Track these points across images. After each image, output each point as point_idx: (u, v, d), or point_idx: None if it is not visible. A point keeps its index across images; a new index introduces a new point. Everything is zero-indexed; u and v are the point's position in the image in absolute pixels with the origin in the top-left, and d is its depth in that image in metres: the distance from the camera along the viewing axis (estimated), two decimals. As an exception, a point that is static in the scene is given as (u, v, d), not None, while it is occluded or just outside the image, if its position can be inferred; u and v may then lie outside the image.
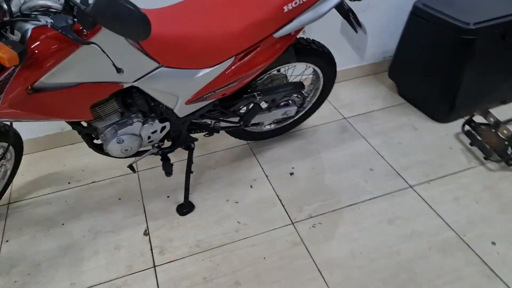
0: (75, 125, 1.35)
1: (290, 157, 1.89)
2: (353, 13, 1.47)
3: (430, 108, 2.09)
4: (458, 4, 1.92)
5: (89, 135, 1.40)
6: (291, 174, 1.81)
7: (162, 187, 1.76)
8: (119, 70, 1.04)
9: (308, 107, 1.93)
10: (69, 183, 1.82)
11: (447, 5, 1.90)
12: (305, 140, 2.00)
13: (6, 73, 0.95)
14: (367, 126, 2.08)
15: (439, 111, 2.05)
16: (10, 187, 1.76)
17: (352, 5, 1.86)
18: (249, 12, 1.24)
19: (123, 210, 1.66)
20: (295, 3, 1.25)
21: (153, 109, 1.38)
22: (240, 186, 1.75)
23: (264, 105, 1.67)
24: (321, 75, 1.78)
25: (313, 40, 1.64)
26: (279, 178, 1.78)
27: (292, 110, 1.75)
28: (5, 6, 0.90)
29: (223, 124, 1.61)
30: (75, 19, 0.91)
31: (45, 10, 0.94)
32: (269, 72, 1.60)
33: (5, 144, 1.41)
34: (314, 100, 1.89)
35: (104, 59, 1.07)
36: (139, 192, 1.75)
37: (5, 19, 0.90)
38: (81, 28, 0.95)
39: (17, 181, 1.81)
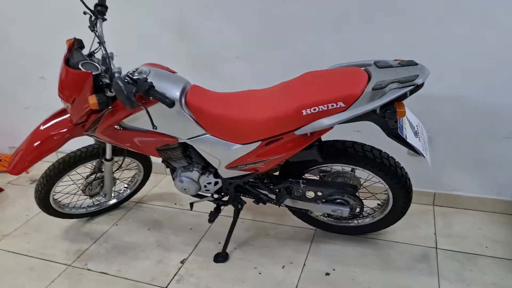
0: (163, 161, 1.86)
1: (341, 259, 1.81)
2: (398, 137, 1.39)
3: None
4: None
5: (172, 171, 1.90)
6: (327, 274, 1.74)
7: (224, 234, 2.06)
8: (154, 127, 1.48)
9: (378, 218, 1.81)
10: (175, 204, 2.38)
11: None
12: (372, 251, 1.85)
13: (100, 114, 1.56)
14: (456, 268, 1.71)
15: None
16: (140, 192, 2.48)
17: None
18: (275, 107, 1.44)
19: (185, 237, 2.06)
20: (314, 109, 1.36)
21: (208, 165, 1.74)
22: (274, 261, 1.83)
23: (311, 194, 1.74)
24: (390, 195, 1.68)
25: (380, 152, 1.60)
26: (312, 272, 1.75)
27: (344, 210, 1.72)
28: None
29: (263, 196, 1.78)
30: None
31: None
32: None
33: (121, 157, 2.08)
34: (381, 216, 1.77)
35: (161, 118, 1.53)
36: (206, 230, 2.11)
37: (106, 81, 1.51)
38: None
39: (149, 190, 2.53)
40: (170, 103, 1.34)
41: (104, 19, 1.58)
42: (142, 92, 1.36)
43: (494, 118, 1.84)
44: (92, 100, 1.43)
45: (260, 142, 1.51)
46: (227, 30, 2.07)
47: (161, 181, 2.64)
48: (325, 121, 1.33)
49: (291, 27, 1.95)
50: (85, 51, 1.65)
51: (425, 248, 1.84)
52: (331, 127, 1.39)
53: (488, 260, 1.74)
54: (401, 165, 1.64)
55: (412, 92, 1.28)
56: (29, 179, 2.79)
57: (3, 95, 2.84)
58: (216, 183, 1.78)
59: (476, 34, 1.69)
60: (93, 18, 1.57)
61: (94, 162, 2.03)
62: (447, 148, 1.98)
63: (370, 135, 2.01)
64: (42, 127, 1.74)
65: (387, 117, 1.30)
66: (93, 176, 2.05)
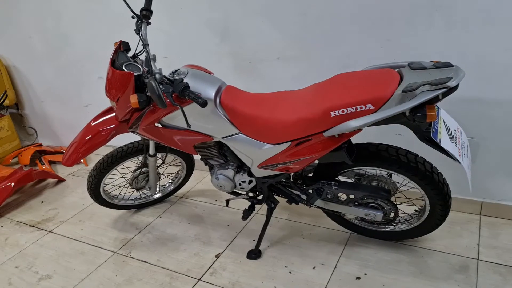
0: (201, 158, 1.95)
1: (374, 264, 1.78)
2: (431, 141, 1.35)
3: None
4: None
5: (210, 168, 1.99)
6: (358, 278, 1.72)
7: (259, 232, 2.10)
8: (188, 125, 1.57)
9: (415, 225, 1.76)
10: (215, 200, 2.48)
11: None
12: (407, 257, 1.80)
13: (142, 112, 1.68)
14: (497, 280, 1.61)
15: None
16: (184, 187, 2.61)
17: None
18: (305, 108, 1.46)
19: (222, 233, 2.14)
20: (342, 111, 1.36)
21: (242, 164, 1.80)
22: (306, 261, 1.85)
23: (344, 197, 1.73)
24: (427, 201, 1.63)
25: (416, 156, 1.56)
26: (343, 275, 1.74)
27: (377, 215, 1.69)
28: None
29: (295, 196, 1.80)
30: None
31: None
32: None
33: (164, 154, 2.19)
34: (418, 222, 1.72)
35: (197, 117, 1.62)
36: (242, 227, 2.17)
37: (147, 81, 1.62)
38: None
39: (193, 186, 2.65)
40: (203, 103, 1.41)
41: (149, 23, 1.69)
42: (178, 92, 1.45)
43: (549, 124, 1.70)
44: (134, 99, 1.55)
45: (290, 142, 1.54)
46: (268, 32, 2.12)
47: (204, 178, 2.75)
48: (352, 123, 1.33)
49: (330, 28, 1.95)
50: (131, 53, 1.78)
51: (465, 259, 1.75)
52: (360, 129, 1.38)
53: (537, 276, 1.61)
54: (438, 171, 1.57)
55: (445, 95, 1.23)
56: (87, 171, 3.05)
57: (67, 94, 3.14)
58: (250, 181, 1.83)
59: (528, 33, 1.58)
60: (139, 22, 1.69)
61: (140, 157, 2.18)
62: (497, 154, 1.86)
63: (412, 139, 1.94)
64: (92, 123, 1.91)
65: (417, 121, 1.26)
66: (139, 171, 2.20)
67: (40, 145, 3.37)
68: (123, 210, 2.44)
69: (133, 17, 1.68)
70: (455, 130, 1.45)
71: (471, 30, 1.67)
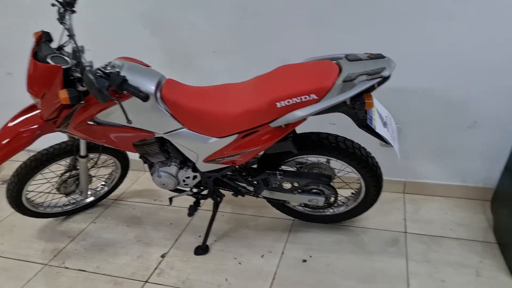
0: (140, 156, 1.86)
1: (318, 246, 1.88)
2: (368, 127, 1.46)
3: (515, 259, 1.64)
4: None
5: (150, 166, 1.90)
6: (304, 261, 1.80)
7: (204, 228, 2.08)
8: (128, 121, 1.49)
9: (352, 206, 1.89)
10: (154, 200, 2.38)
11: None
12: (346, 237, 1.93)
13: (72, 109, 1.55)
14: (422, 249, 1.81)
15: (522, 266, 1.59)
16: (118, 189, 2.47)
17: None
18: (250, 100, 1.48)
19: (165, 232, 2.07)
20: (288, 101, 1.41)
21: (186, 159, 1.76)
22: (253, 251, 1.88)
23: (287, 185, 1.79)
24: (363, 184, 1.76)
25: (353, 143, 1.67)
26: (290, 260, 1.81)
27: (319, 200, 1.78)
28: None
29: (241, 188, 1.82)
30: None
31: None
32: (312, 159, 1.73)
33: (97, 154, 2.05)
34: (354, 204, 1.85)
35: (136, 113, 1.54)
36: (186, 224, 2.13)
37: (77, 75, 1.50)
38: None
39: (128, 187, 2.52)
40: (144, 97, 1.35)
41: (73, 11, 1.56)
42: (115, 86, 1.36)
43: (458, 109, 1.95)
44: (63, 94, 1.42)
45: (237, 135, 1.55)
46: (203, 24, 2.09)
47: (140, 177, 2.63)
48: (299, 113, 1.39)
49: (267, 22, 1.99)
50: (54, 45, 1.63)
51: (395, 233, 1.93)
52: (305, 119, 1.45)
53: (452, 241, 1.85)
54: (371, 155, 1.71)
55: (379, 84, 1.34)
56: (0, 180, 2.72)
57: (-30, 93, 2.75)
58: (194, 177, 1.81)
59: (441, 31, 1.79)
60: (61, 10, 1.55)
61: (68, 160, 2.01)
62: (416, 138, 2.08)
63: (344, 127, 2.08)
64: (10, 124, 1.70)
65: (357, 108, 1.36)
66: (67, 174, 2.03)
67: None
68: (50, 219, 2.23)
69: (53, 5, 1.54)
70: (386, 116, 1.59)
71: (394, 26, 1.84)
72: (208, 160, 1.66)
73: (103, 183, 2.31)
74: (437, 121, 2.00)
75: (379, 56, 1.41)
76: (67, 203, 2.22)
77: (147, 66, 1.65)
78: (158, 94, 1.54)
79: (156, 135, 1.63)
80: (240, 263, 1.82)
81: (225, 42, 2.10)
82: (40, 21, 2.32)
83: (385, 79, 1.34)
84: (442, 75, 1.88)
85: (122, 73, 1.49)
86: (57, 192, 2.08)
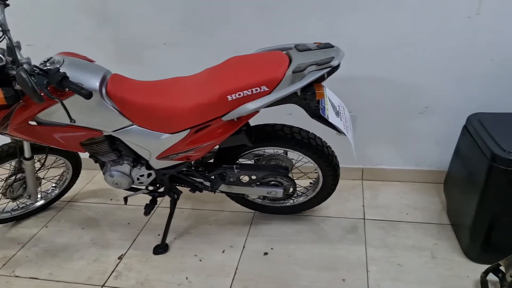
0: (90, 156, 1.78)
1: (279, 237, 1.87)
2: (321, 117, 1.46)
3: (465, 239, 1.71)
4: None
5: (102, 165, 1.82)
6: (265, 254, 1.80)
7: (163, 226, 2.02)
8: (71, 120, 1.41)
9: (311, 196, 1.90)
10: (111, 199, 2.29)
11: (497, 125, 1.59)
12: (307, 227, 1.94)
13: (9, 109, 1.44)
14: (380, 234, 1.85)
15: (472, 246, 1.66)
16: (71, 190, 2.36)
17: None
18: (201, 94, 1.44)
19: (123, 233, 2.00)
20: (239, 94, 1.38)
21: (139, 157, 1.69)
22: (214, 247, 1.85)
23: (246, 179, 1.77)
24: (320, 173, 1.76)
25: (308, 133, 1.67)
26: (251, 253, 1.80)
27: (278, 191, 1.77)
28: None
29: (198, 184, 1.78)
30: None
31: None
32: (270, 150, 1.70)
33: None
34: (314, 193, 1.86)
35: (81, 111, 1.45)
36: (144, 223, 2.06)
37: (13, 73, 1.39)
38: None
39: (82, 187, 2.41)
40: (87, 94, 1.27)
41: (6, 5, 1.44)
42: (55, 83, 1.28)
43: (410, 96, 1.99)
44: (-3, 95, 1.32)
45: (189, 130, 1.50)
46: (152, 14, 2.00)
47: (95, 177, 2.52)
48: (250, 106, 1.36)
49: (217, 12, 1.93)
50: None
51: (354, 220, 1.96)
52: (257, 111, 1.42)
53: (409, 225, 1.90)
54: (327, 144, 1.72)
55: (329, 73, 1.34)
56: None
57: None
58: (149, 175, 1.74)
59: (391, 18, 1.80)
60: None
61: (13, 162, 1.88)
62: (371, 125, 2.11)
63: (301, 117, 2.07)
64: None
65: (308, 99, 1.35)
66: (13, 178, 1.90)
67: None
68: (-2, 225, 2.10)
69: None
70: (338, 106, 1.59)
71: (344, 15, 1.83)
72: (161, 157, 1.60)
73: (54, 185, 2.19)
74: (390, 108, 2.04)
75: (328, 46, 1.40)
76: (16, 207, 2.09)
77: (91, 61, 1.56)
78: (104, 90, 1.46)
79: (105, 133, 1.55)
80: (200, 260, 1.79)
81: (176, 34, 2.03)
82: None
83: (334, 68, 1.33)
84: (394, 62, 1.91)
85: (62, 69, 1.40)
86: (3, 197, 1.95)
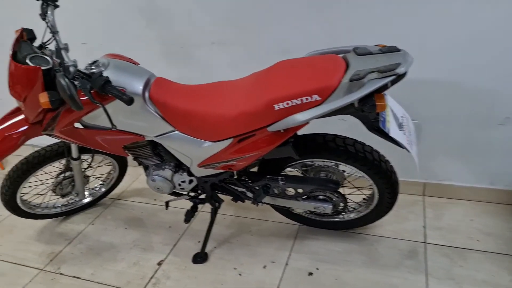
0: (134, 158, 1.74)
1: (325, 256, 1.72)
2: (380, 130, 1.27)
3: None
4: None
5: (145, 168, 1.78)
6: (310, 274, 1.65)
7: (204, 232, 1.95)
8: (113, 126, 1.35)
9: (364, 213, 1.72)
10: (154, 200, 2.27)
11: None
12: (358, 247, 1.76)
13: (56, 112, 1.42)
14: (445, 264, 1.62)
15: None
16: (118, 187, 2.37)
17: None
18: (246, 101, 1.31)
19: (164, 237, 1.96)
20: (287, 103, 1.23)
21: (181, 163, 1.62)
22: (255, 260, 1.74)
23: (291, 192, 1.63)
24: (376, 190, 1.57)
25: (363, 146, 1.49)
26: (295, 272, 1.66)
27: (326, 207, 1.61)
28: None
29: (240, 194, 1.67)
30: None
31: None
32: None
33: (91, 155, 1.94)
34: (367, 211, 1.67)
35: (124, 116, 1.40)
36: (185, 228, 2.01)
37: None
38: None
39: (128, 185, 2.42)
40: (128, 100, 1.21)
41: (57, 6, 1.42)
42: (97, 88, 1.23)
43: (487, 104, 1.72)
44: (43, 98, 1.29)
45: (232, 139, 1.39)
46: (200, 13, 1.92)
47: (141, 175, 2.53)
48: (299, 117, 1.21)
49: (268, 10, 1.80)
50: (37, 43, 1.50)
51: (413, 243, 1.75)
52: (307, 123, 1.27)
53: (479, 254, 1.65)
54: (385, 159, 1.52)
55: (394, 82, 1.15)
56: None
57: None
58: (190, 181, 1.67)
59: (467, 13, 1.55)
60: (44, 5, 1.41)
61: (62, 161, 1.91)
62: (438, 135, 1.86)
63: (357, 124, 1.88)
64: (-4, 128, 1.60)
65: (366, 111, 1.18)
66: (62, 175, 1.93)
67: None
68: (49, 219, 2.16)
69: None
70: (401, 117, 1.39)
71: (413, 12, 1.61)
72: (203, 165, 1.51)
73: (101, 183, 2.21)
74: (461, 116, 1.78)
75: (393, 49, 1.21)
76: (65, 203, 2.14)
77: (136, 63, 1.51)
78: (147, 95, 1.40)
79: (147, 138, 1.49)
80: (240, 274, 1.69)
81: (224, 33, 1.93)
82: (22, 15, 2.19)
83: (400, 76, 1.14)
84: (470, 64, 1.65)
85: (106, 73, 1.35)
86: (53, 194, 1.99)
